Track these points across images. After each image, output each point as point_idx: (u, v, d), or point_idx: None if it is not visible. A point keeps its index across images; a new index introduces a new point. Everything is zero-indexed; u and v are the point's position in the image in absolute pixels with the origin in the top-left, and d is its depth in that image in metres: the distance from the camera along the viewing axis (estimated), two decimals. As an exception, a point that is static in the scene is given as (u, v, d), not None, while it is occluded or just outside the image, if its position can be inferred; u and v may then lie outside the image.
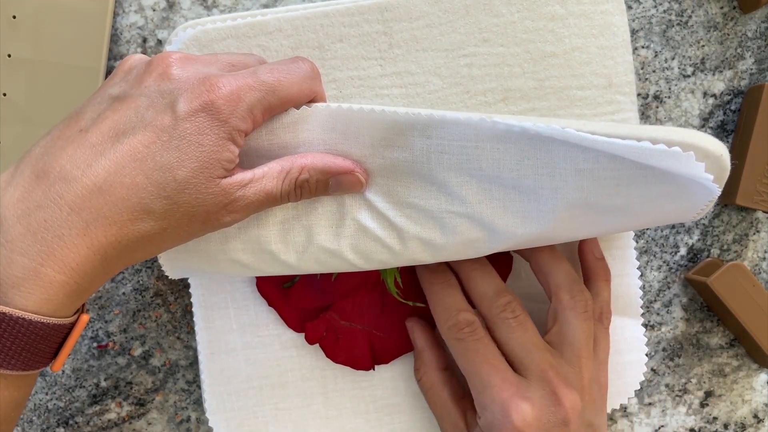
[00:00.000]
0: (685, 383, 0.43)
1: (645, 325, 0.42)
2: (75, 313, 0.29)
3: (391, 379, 0.40)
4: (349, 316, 0.39)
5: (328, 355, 0.39)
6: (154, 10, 0.40)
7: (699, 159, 0.28)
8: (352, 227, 0.33)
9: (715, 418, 0.43)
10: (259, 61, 0.33)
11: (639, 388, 0.40)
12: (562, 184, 0.30)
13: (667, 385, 0.43)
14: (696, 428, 0.43)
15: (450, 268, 0.37)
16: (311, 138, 0.32)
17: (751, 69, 0.41)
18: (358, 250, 0.33)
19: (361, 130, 0.32)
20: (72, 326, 0.29)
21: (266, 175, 0.30)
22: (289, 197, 0.31)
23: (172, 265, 0.34)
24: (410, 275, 0.39)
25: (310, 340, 0.39)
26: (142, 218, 0.28)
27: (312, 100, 0.32)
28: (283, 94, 0.30)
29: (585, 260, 0.38)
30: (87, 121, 0.29)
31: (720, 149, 0.29)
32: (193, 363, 0.42)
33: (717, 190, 0.28)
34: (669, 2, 0.41)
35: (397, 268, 0.38)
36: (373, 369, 0.39)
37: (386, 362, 0.40)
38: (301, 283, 0.39)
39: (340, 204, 0.33)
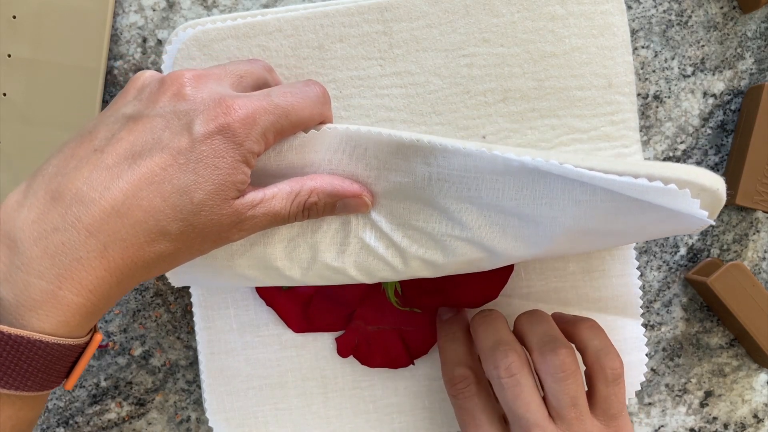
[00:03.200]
0: (685, 383, 0.43)
1: (645, 325, 0.42)
2: (88, 332, 0.29)
3: (391, 379, 0.40)
4: (374, 320, 0.39)
5: (363, 363, 0.40)
6: (154, 10, 0.40)
7: (695, 194, 0.28)
8: (356, 245, 0.34)
9: (715, 418, 0.43)
10: (265, 67, 0.33)
11: (639, 388, 0.40)
12: (561, 213, 0.31)
13: (667, 385, 0.43)
14: (696, 428, 0.43)
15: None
16: (318, 159, 0.33)
17: (751, 69, 0.41)
18: (362, 268, 0.34)
19: (367, 153, 0.33)
20: (86, 345, 0.29)
21: (276, 196, 0.31)
22: (297, 218, 0.32)
23: (178, 278, 0.35)
24: (408, 282, 0.39)
25: (344, 353, 0.40)
26: (158, 240, 0.28)
27: (320, 123, 0.33)
28: (295, 118, 0.31)
29: (558, 324, 0.36)
30: (101, 140, 0.29)
31: (716, 183, 0.29)
32: (193, 363, 0.42)
33: (712, 222, 0.29)
34: (669, 2, 0.41)
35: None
36: (413, 364, 0.40)
37: (424, 353, 0.40)
38: (317, 300, 0.39)
39: (345, 223, 0.34)
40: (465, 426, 0.35)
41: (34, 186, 0.28)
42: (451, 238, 0.33)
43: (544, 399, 0.33)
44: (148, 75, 0.31)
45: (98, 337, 0.29)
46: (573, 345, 0.34)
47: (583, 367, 0.35)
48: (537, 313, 0.36)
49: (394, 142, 0.32)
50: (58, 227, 0.27)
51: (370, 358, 0.40)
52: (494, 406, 0.35)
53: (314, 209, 0.32)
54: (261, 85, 0.33)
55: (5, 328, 0.26)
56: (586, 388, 0.35)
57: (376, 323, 0.39)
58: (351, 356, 0.40)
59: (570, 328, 0.36)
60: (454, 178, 0.32)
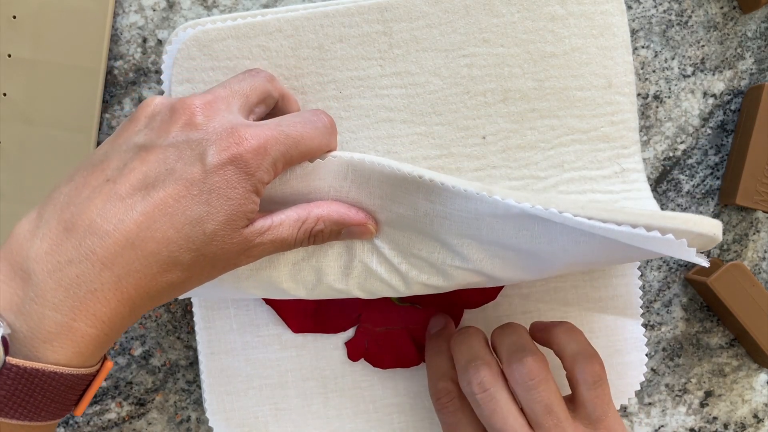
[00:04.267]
0: (685, 383, 0.43)
1: (645, 325, 0.42)
2: (99, 360, 0.29)
3: (391, 379, 0.40)
4: (381, 321, 0.39)
5: (375, 365, 0.40)
6: (154, 10, 0.40)
7: (692, 242, 0.29)
8: (359, 269, 0.35)
9: (715, 418, 0.43)
10: (267, 78, 0.33)
11: (639, 388, 0.40)
12: (561, 251, 0.32)
13: (667, 385, 0.43)
14: (696, 428, 0.43)
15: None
16: (323, 186, 0.33)
17: (751, 69, 0.41)
18: (365, 289, 0.35)
19: (371, 182, 0.33)
20: (97, 372, 0.29)
21: (283, 223, 0.31)
22: (302, 244, 0.32)
23: (184, 295, 0.35)
24: None
25: (354, 357, 0.40)
26: (171, 270, 0.28)
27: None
28: (305, 148, 0.31)
29: (535, 333, 0.36)
30: (113, 170, 0.28)
31: (714, 229, 0.29)
32: (193, 363, 0.42)
33: (706, 265, 0.29)
34: (669, 2, 0.41)
35: None
36: (425, 362, 0.39)
37: None
38: (324, 304, 0.39)
39: (349, 248, 0.35)
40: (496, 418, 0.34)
41: (46, 215, 0.28)
42: (452, 268, 0.34)
43: (522, 410, 0.33)
44: (158, 102, 0.31)
45: (109, 365, 0.29)
46: (542, 352, 0.34)
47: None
48: (510, 325, 0.36)
49: (397, 176, 0.32)
50: (73, 259, 0.27)
51: (381, 360, 0.40)
52: (478, 421, 0.35)
53: (320, 236, 0.33)
54: (266, 98, 0.33)
55: (20, 362, 0.26)
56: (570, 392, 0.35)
57: (384, 324, 0.39)
58: (360, 359, 0.40)
59: (546, 335, 0.36)
60: (454, 217, 0.33)
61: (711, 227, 0.29)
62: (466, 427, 0.34)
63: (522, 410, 0.33)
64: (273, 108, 0.34)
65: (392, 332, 0.39)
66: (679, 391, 0.43)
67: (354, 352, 0.40)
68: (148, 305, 0.29)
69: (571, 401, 0.34)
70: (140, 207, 0.27)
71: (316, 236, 0.32)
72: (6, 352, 0.25)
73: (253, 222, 0.30)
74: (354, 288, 0.35)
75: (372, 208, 0.34)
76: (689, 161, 0.42)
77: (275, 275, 0.35)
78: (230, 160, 0.28)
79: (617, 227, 0.28)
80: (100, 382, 0.29)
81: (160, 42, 0.40)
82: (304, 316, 0.39)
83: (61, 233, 0.27)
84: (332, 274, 0.35)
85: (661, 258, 0.42)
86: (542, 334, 0.36)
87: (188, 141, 0.29)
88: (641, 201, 0.37)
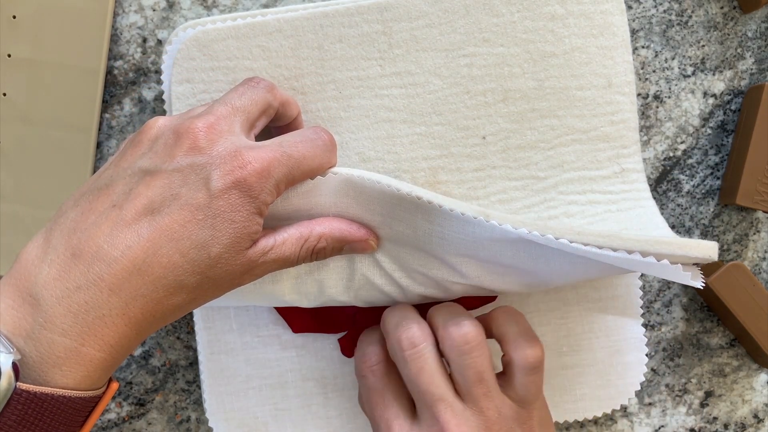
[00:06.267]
0: (685, 383, 0.43)
1: (645, 325, 0.42)
2: (106, 381, 0.30)
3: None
4: (376, 318, 0.39)
5: None
6: (154, 10, 0.40)
7: (687, 266, 0.29)
8: (361, 281, 0.35)
9: (715, 418, 0.43)
10: (267, 88, 0.33)
11: (639, 388, 0.40)
12: (558, 268, 0.32)
13: (667, 385, 0.43)
14: (696, 428, 0.43)
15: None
16: (324, 202, 0.34)
17: (751, 69, 0.41)
18: (365, 300, 0.36)
19: (371, 200, 0.34)
20: (103, 394, 0.29)
21: (286, 242, 0.32)
22: (305, 261, 0.33)
23: None
24: None
25: (348, 353, 0.40)
26: (176, 293, 0.29)
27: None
28: (306, 168, 0.32)
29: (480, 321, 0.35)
30: (119, 195, 0.29)
31: (709, 252, 0.30)
32: (193, 363, 0.42)
33: (701, 287, 0.30)
34: (669, 2, 0.41)
35: None
36: None
37: None
38: (325, 308, 0.39)
39: (351, 260, 0.35)
40: (372, 407, 0.34)
41: (54, 241, 0.28)
42: (452, 283, 0.35)
43: (451, 378, 0.33)
44: (161, 124, 0.31)
45: (114, 386, 0.30)
46: (481, 325, 0.33)
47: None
48: (448, 303, 0.35)
49: (396, 196, 0.33)
50: (81, 286, 0.27)
51: None
52: (404, 388, 0.34)
53: (322, 253, 0.33)
54: (266, 109, 0.33)
55: (30, 387, 0.26)
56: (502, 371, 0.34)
57: (379, 321, 0.39)
58: (353, 356, 0.40)
59: (487, 319, 0.35)
60: (452, 238, 0.33)
61: (707, 251, 0.29)
62: (391, 392, 0.34)
63: (451, 378, 0.33)
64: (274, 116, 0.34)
65: None
66: (680, 391, 0.43)
67: (347, 348, 0.40)
68: (154, 327, 0.29)
69: (503, 381, 0.33)
70: (146, 233, 0.28)
71: (318, 253, 0.33)
72: (17, 377, 0.26)
73: (256, 242, 0.30)
74: (354, 299, 0.36)
75: (373, 223, 0.34)
76: (689, 161, 0.42)
77: (278, 289, 0.35)
78: (234, 184, 0.29)
79: (613, 253, 0.29)
80: (106, 403, 0.29)
81: (160, 42, 0.40)
82: (304, 315, 0.39)
83: (69, 259, 0.27)
84: (334, 287, 0.35)
85: (661, 258, 0.42)
86: (484, 320, 0.35)
87: (192, 166, 0.29)
88: (640, 202, 0.37)
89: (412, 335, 0.33)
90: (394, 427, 0.33)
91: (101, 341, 0.27)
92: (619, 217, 0.37)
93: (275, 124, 0.35)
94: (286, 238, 0.32)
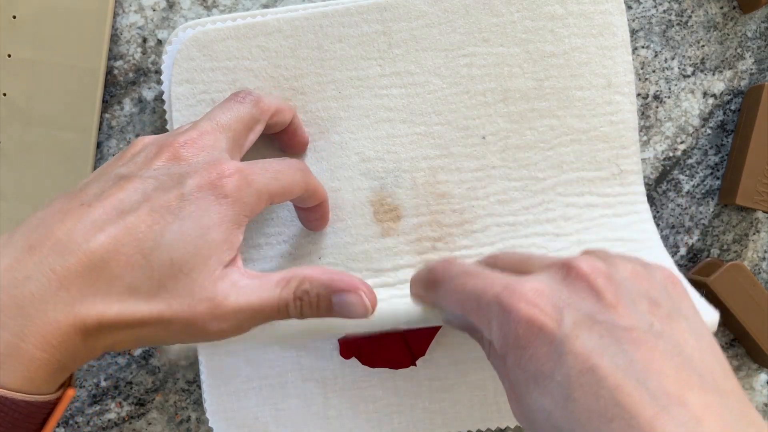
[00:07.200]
0: (685, 383, 0.43)
1: (645, 325, 0.42)
2: (60, 388, 0.28)
3: (391, 379, 0.40)
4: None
5: (365, 363, 0.40)
6: (154, 10, 0.40)
7: None
8: None
9: (715, 418, 0.43)
10: (253, 102, 0.32)
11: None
12: None
13: (667, 385, 0.43)
14: (696, 428, 0.43)
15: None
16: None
17: (751, 69, 0.41)
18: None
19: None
20: (57, 401, 0.27)
21: (264, 283, 0.28)
22: (288, 309, 0.29)
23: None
24: None
25: (346, 355, 0.40)
26: (129, 300, 0.26)
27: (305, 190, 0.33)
28: (285, 183, 0.31)
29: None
30: (90, 196, 0.28)
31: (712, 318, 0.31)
32: (193, 363, 0.42)
33: None
34: (669, 2, 0.41)
35: None
36: (415, 365, 0.39)
37: (423, 352, 0.39)
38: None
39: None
40: (476, 287, 0.26)
41: (16, 236, 0.27)
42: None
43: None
44: (147, 140, 0.31)
45: (70, 393, 0.28)
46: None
47: None
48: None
49: None
50: (31, 276, 0.25)
51: (372, 359, 0.40)
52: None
53: (306, 299, 0.29)
54: (253, 125, 0.33)
55: None
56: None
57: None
58: (352, 357, 0.40)
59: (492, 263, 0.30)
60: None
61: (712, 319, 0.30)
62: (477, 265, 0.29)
63: None
64: (266, 124, 0.34)
65: (387, 333, 0.39)
66: (679, 391, 0.43)
67: (346, 349, 0.40)
68: (104, 338, 0.27)
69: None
70: (110, 230, 0.26)
71: (302, 298, 0.29)
72: None
73: (227, 274, 0.28)
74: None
75: None
76: (689, 161, 0.42)
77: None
78: (209, 187, 0.28)
79: None
80: (60, 412, 0.27)
81: (160, 42, 0.40)
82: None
83: (25, 251, 0.26)
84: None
85: (661, 258, 0.42)
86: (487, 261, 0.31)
87: (170, 173, 0.28)
88: (635, 206, 0.38)
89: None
90: (499, 276, 0.26)
91: (42, 339, 0.25)
92: (614, 223, 0.38)
93: (270, 131, 0.35)
94: (266, 280, 0.29)
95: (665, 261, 0.37)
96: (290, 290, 0.29)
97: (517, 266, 0.28)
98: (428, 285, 0.30)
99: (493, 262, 0.30)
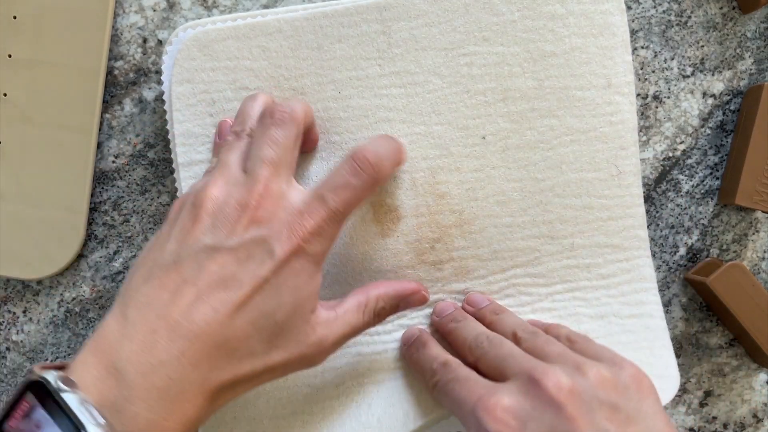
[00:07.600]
0: (685, 383, 0.43)
1: (644, 325, 0.42)
2: None
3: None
4: None
5: None
6: (154, 11, 0.40)
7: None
8: None
9: (714, 418, 0.43)
10: (295, 121, 0.33)
11: (638, 388, 0.40)
12: None
13: (666, 385, 0.43)
14: (695, 428, 0.43)
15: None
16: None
17: (751, 69, 0.41)
18: None
19: None
20: None
21: (348, 311, 0.34)
22: (369, 325, 0.34)
23: None
24: None
25: None
26: (248, 362, 0.30)
27: None
28: (348, 212, 0.32)
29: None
30: (189, 272, 0.30)
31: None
32: None
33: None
34: (668, 2, 0.41)
35: None
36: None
37: None
38: None
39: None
40: (460, 395, 0.32)
41: (130, 317, 0.29)
42: None
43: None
44: (215, 197, 0.32)
45: None
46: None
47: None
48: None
49: None
50: (164, 361, 0.28)
51: None
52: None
53: (383, 314, 0.35)
54: (298, 144, 0.34)
55: None
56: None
57: None
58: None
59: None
60: None
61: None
62: (471, 373, 0.33)
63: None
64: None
65: None
66: (679, 390, 0.43)
67: None
68: (227, 397, 0.31)
69: None
70: (220, 308, 0.30)
71: (380, 315, 0.35)
72: None
73: (318, 316, 0.32)
74: None
75: None
76: (689, 161, 0.42)
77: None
78: (294, 251, 0.31)
79: None
80: None
81: (160, 42, 0.40)
82: None
83: (149, 334, 0.29)
84: None
85: (660, 258, 0.42)
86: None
87: (255, 240, 0.31)
88: (631, 210, 0.38)
89: (482, 334, 0.35)
90: (480, 384, 0.32)
91: (182, 416, 0.29)
92: (609, 227, 0.38)
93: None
94: (347, 309, 0.34)
95: (647, 271, 0.39)
96: (370, 312, 0.34)
97: (497, 367, 0.32)
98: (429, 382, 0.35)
99: (480, 355, 0.34)
